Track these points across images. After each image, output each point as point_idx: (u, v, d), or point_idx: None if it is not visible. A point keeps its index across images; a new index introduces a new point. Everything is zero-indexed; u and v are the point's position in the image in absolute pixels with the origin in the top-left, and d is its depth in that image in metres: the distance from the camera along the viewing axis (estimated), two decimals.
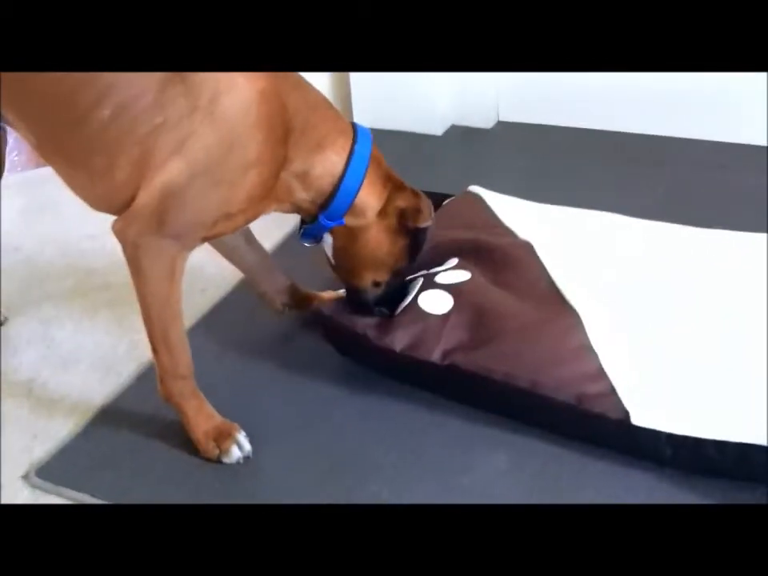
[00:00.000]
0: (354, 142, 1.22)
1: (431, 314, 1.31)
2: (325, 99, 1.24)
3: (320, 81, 1.33)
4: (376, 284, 1.32)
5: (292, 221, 1.32)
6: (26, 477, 1.19)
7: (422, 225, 1.28)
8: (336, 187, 1.22)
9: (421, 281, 1.38)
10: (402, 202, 1.26)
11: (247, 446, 1.19)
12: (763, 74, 1.92)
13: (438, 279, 1.38)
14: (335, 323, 1.33)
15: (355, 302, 1.34)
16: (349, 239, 1.28)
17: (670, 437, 1.10)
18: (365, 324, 1.30)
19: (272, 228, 1.68)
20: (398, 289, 1.35)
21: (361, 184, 1.23)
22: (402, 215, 1.26)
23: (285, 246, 1.70)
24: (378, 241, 1.28)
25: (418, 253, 1.33)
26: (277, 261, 1.49)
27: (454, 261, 1.44)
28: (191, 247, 1.15)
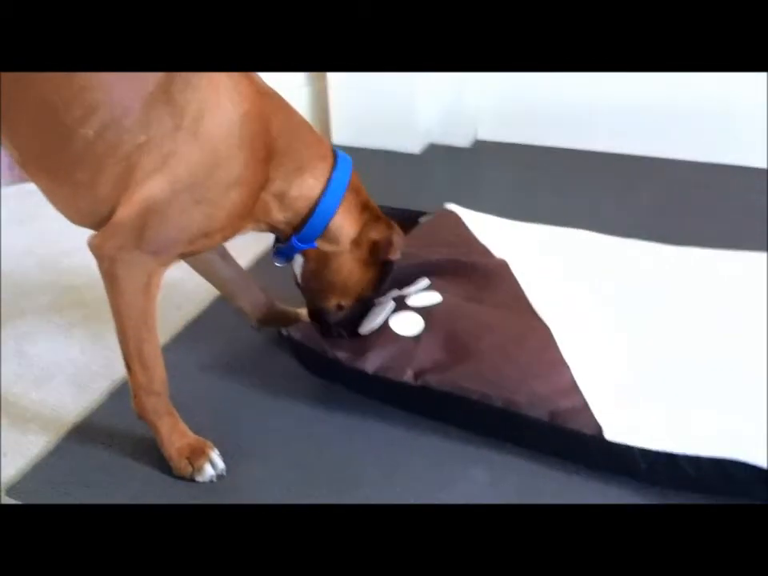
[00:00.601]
0: (334, 168, 1.24)
1: (403, 336, 1.31)
2: (307, 123, 1.25)
3: (299, 97, 1.34)
4: (340, 307, 1.35)
5: (269, 237, 1.33)
6: None
7: (392, 258, 1.30)
8: (311, 210, 1.23)
9: (392, 304, 1.38)
10: (375, 233, 1.28)
11: (220, 464, 1.18)
12: (753, 92, 1.95)
13: (410, 302, 1.39)
14: (305, 348, 1.32)
15: (316, 320, 1.36)
16: (321, 263, 1.30)
17: (644, 452, 1.11)
18: (335, 348, 1.30)
19: (250, 244, 1.68)
20: (358, 312, 1.37)
21: (336, 210, 1.25)
22: (375, 247, 1.28)
23: (263, 262, 1.70)
24: (350, 269, 1.30)
25: (384, 282, 1.35)
26: (254, 276, 1.49)
27: (426, 282, 1.45)
28: (168, 263, 1.15)
